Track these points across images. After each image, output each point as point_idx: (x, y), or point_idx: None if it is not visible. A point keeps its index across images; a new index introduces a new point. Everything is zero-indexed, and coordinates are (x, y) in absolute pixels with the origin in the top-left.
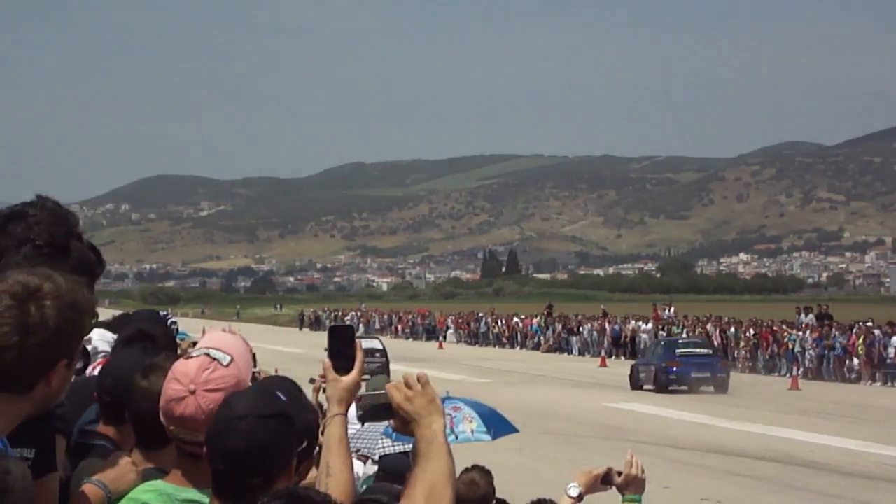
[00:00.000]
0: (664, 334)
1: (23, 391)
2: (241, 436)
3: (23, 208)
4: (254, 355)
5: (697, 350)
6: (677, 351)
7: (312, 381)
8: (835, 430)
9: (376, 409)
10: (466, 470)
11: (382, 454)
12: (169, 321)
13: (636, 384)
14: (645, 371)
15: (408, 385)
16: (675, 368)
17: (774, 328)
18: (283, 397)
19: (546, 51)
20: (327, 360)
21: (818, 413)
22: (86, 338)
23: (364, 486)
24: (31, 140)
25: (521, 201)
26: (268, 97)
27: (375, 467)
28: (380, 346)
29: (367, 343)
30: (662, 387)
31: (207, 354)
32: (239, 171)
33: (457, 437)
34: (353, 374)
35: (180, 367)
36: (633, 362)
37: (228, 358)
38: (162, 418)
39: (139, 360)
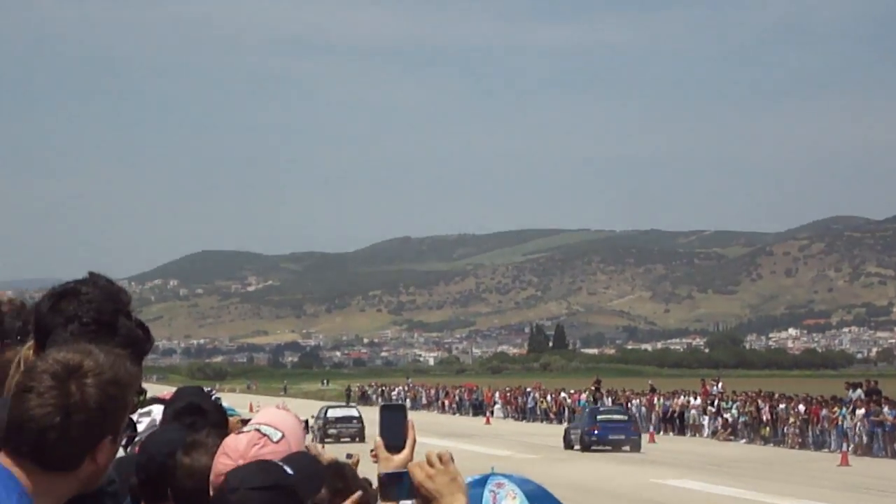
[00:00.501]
0: (713, 410)
1: (69, 469)
2: None
3: (75, 286)
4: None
5: (615, 416)
6: (598, 417)
7: (349, 456)
8: None
9: (397, 486)
10: None
11: None
12: (213, 397)
13: (567, 444)
14: (574, 434)
15: (430, 463)
16: (595, 431)
17: (824, 403)
18: (289, 471)
19: (593, 125)
20: (379, 439)
21: (868, 489)
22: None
23: None
24: (80, 216)
25: (568, 275)
26: (315, 172)
27: None
28: (356, 414)
29: (343, 412)
30: (586, 447)
31: (258, 430)
32: (286, 246)
33: None
34: (405, 453)
35: (231, 441)
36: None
37: (279, 434)
38: (212, 492)
39: (178, 436)
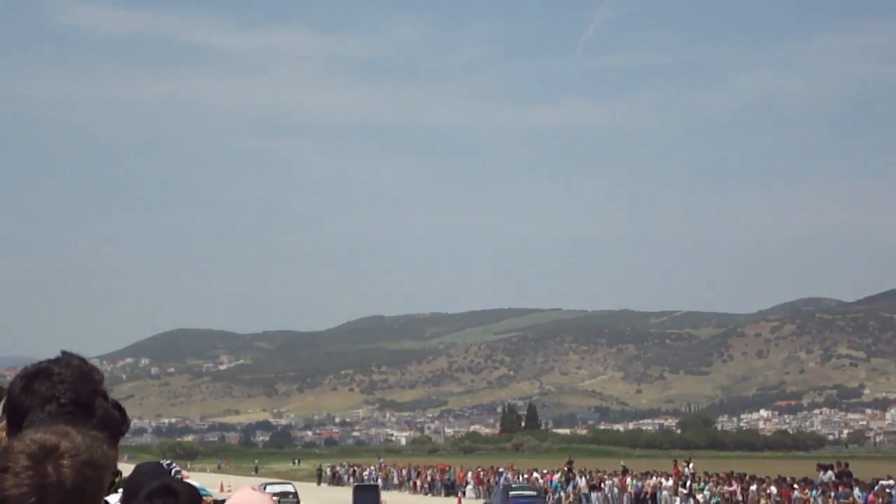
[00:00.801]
0: (685, 491)
1: None
2: None
3: (48, 366)
4: None
5: (525, 492)
6: (511, 493)
7: None
8: None
9: None
10: None
11: None
12: (173, 471)
13: None
14: None
15: None
16: None
17: (795, 486)
18: None
19: (565, 205)
20: None
21: None
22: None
23: None
24: (51, 294)
25: (540, 355)
26: (287, 251)
27: None
28: (292, 489)
29: (279, 487)
30: None
31: None
32: (258, 324)
33: None
34: None
35: None
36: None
37: None
38: None
39: None
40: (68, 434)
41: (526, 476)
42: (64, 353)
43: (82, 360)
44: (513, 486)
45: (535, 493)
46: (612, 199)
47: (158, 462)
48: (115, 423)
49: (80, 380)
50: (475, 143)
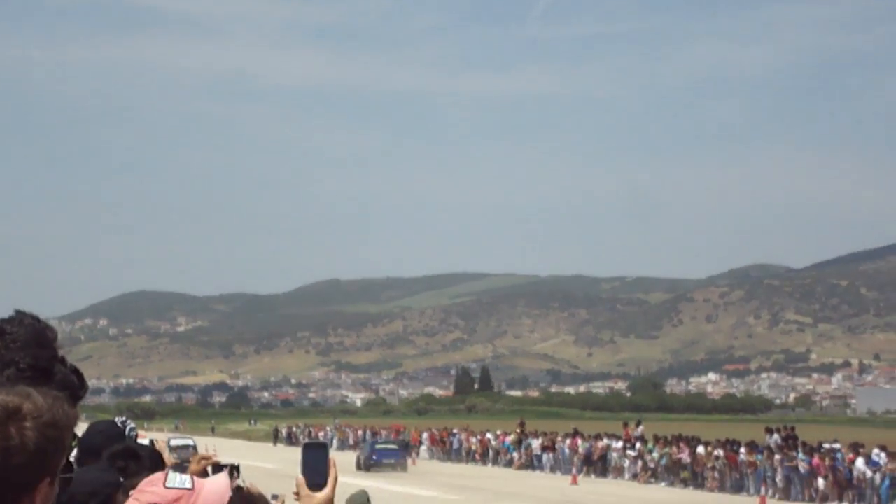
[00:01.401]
0: (633, 453)
1: None
2: None
3: (0, 325)
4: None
5: (388, 446)
6: (376, 446)
7: (275, 497)
8: None
9: None
10: None
11: None
12: (128, 429)
13: (357, 466)
14: (361, 458)
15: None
16: (374, 457)
17: (742, 449)
18: None
19: (519, 172)
20: (300, 477)
21: None
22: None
23: None
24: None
25: (494, 319)
26: (244, 214)
27: None
28: (192, 443)
29: (181, 441)
30: (367, 468)
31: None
32: (216, 287)
33: None
34: (327, 491)
35: (157, 483)
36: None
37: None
38: None
39: (108, 478)
40: (30, 395)
41: (479, 437)
42: (17, 311)
43: (35, 319)
44: (378, 441)
45: (396, 447)
46: (565, 165)
47: (112, 421)
48: (73, 388)
49: (34, 339)
50: (431, 109)
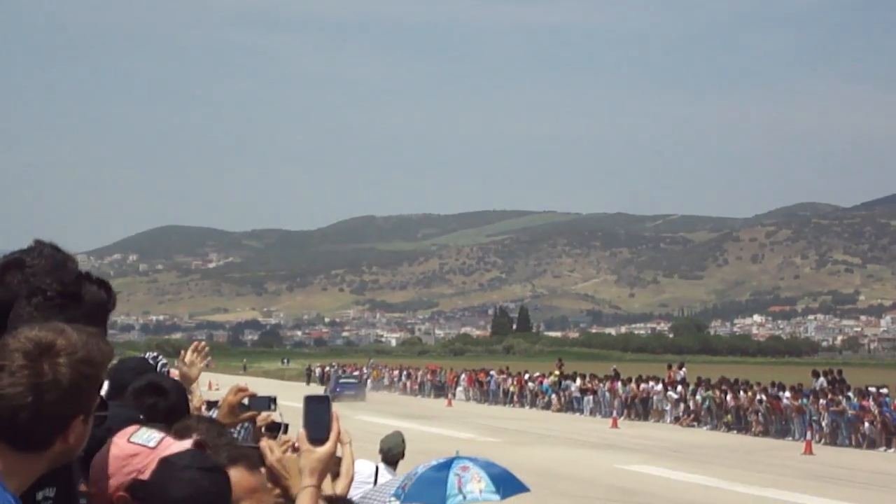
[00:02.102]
0: (675, 396)
1: (40, 449)
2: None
3: (20, 256)
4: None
5: (349, 380)
6: (340, 380)
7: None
8: (848, 496)
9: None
10: None
11: None
12: (159, 365)
13: None
14: (328, 390)
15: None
16: (337, 388)
17: (787, 393)
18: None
19: (562, 107)
20: (302, 431)
21: (831, 478)
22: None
23: None
24: (40, 189)
25: (532, 258)
26: (279, 149)
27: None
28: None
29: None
30: (332, 398)
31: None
32: (248, 223)
33: (465, 498)
34: (328, 446)
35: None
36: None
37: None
38: (148, 475)
39: (129, 415)
40: (64, 331)
41: (517, 378)
42: (37, 241)
43: (55, 249)
44: (342, 374)
45: (356, 381)
46: (609, 100)
47: (143, 357)
48: (103, 306)
49: (55, 269)
50: (471, 41)
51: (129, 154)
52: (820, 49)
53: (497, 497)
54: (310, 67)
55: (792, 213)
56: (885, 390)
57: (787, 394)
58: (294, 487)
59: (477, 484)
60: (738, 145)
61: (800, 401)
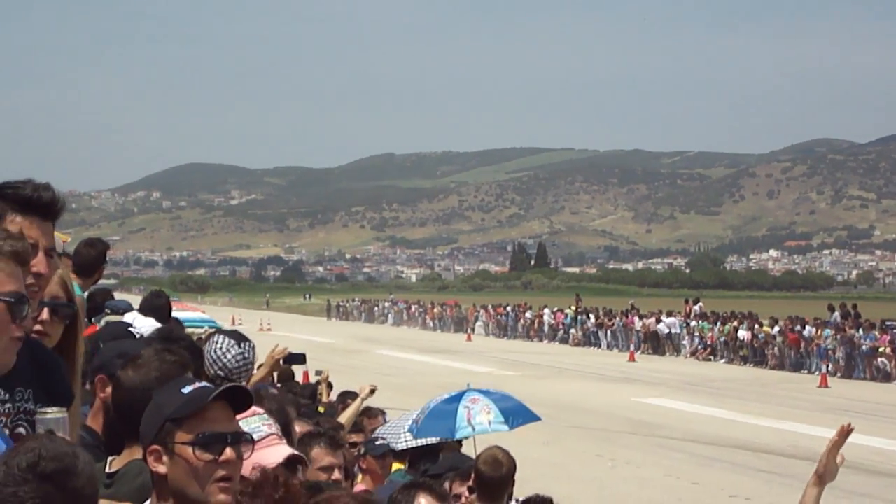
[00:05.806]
0: (692, 329)
1: None
2: None
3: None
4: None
5: None
6: None
7: (319, 373)
8: (864, 429)
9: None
10: (488, 448)
11: (404, 447)
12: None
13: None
14: None
15: None
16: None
17: (807, 325)
18: None
19: (579, 45)
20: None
21: (846, 411)
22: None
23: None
24: (64, 126)
25: (550, 194)
26: (300, 87)
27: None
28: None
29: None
30: None
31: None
32: (270, 160)
33: (474, 429)
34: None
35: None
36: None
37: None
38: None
39: (128, 349)
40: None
41: (536, 313)
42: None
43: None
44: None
45: None
46: (625, 37)
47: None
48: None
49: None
50: None
51: (153, 92)
52: None
53: (505, 428)
54: (331, 5)
55: (807, 149)
56: None
57: (810, 328)
58: None
59: (486, 415)
60: (754, 82)
61: (821, 333)
